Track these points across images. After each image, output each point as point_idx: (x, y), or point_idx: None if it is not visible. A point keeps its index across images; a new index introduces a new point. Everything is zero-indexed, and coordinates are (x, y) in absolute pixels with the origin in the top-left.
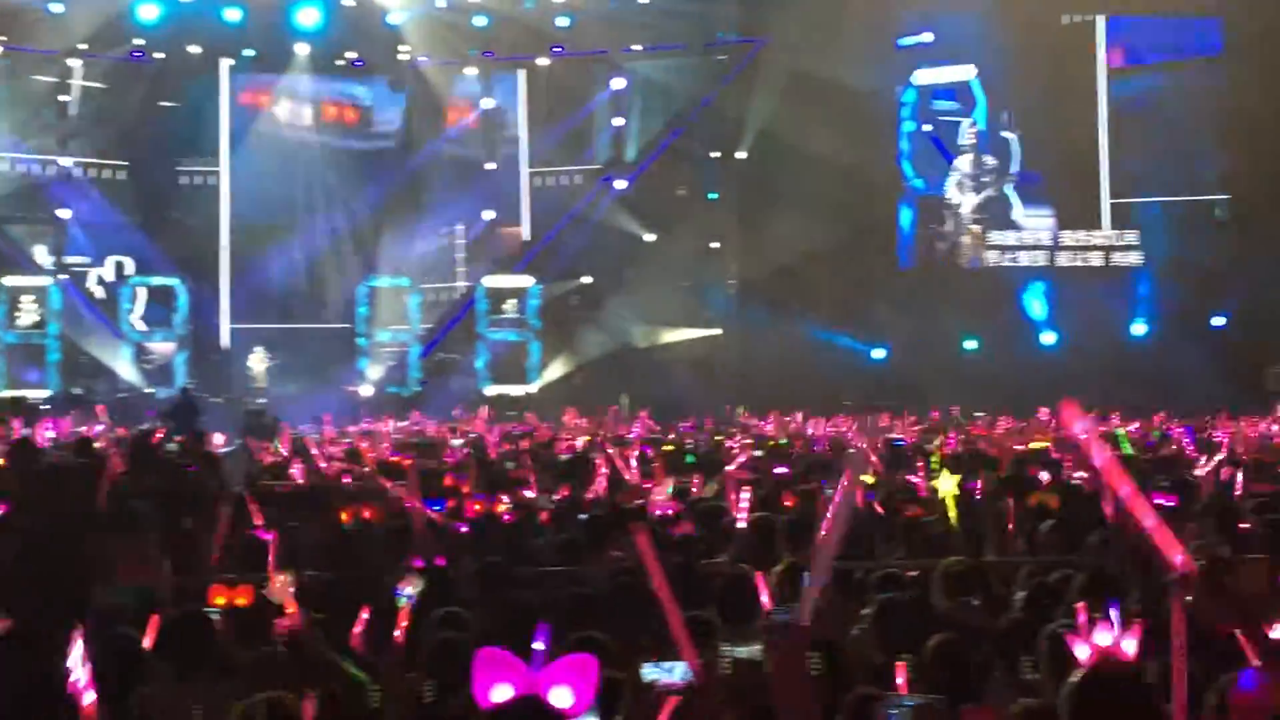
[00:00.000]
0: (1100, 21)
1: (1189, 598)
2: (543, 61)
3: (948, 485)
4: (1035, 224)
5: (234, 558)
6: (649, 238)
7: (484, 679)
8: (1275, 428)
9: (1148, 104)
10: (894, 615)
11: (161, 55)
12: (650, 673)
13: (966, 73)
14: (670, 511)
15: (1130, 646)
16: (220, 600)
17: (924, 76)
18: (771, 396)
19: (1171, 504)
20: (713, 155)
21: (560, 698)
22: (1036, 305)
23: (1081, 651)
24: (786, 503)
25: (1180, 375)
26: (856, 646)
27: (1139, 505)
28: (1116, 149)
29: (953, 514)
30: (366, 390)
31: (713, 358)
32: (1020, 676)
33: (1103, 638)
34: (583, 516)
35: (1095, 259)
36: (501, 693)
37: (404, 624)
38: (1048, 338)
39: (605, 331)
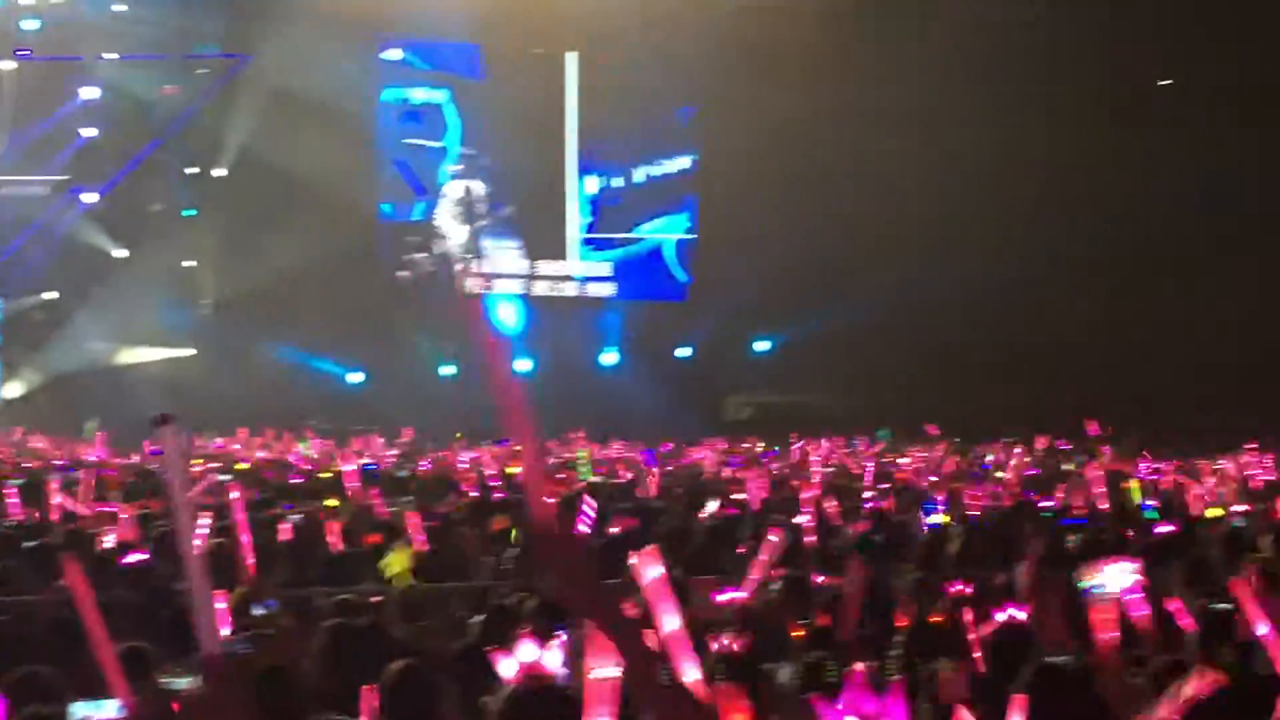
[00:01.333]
0: (571, 58)
1: None
2: (7, 65)
3: (398, 567)
4: (506, 255)
5: None
6: (120, 254)
7: None
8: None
9: (619, 141)
10: (348, 641)
11: None
12: (79, 710)
13: (440, 96)
14: (128, 538)
15: (554, 661)
16: None
17: (395, 97)
18: (242, 419)
19: (634, 525)
20: (190, 171)
21: None
22: (506, 318)
23: (508, 668)
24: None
25: (646, 403)
26: (310, 674)
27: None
28: (587, 183)
29: (408, 582)
30: None
31: (184, 378)
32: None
33: (527, 653)
34: (29, 545)
35: (570, 289)
36: None
37: None
38: (523, 365)
39: (72, 350)
